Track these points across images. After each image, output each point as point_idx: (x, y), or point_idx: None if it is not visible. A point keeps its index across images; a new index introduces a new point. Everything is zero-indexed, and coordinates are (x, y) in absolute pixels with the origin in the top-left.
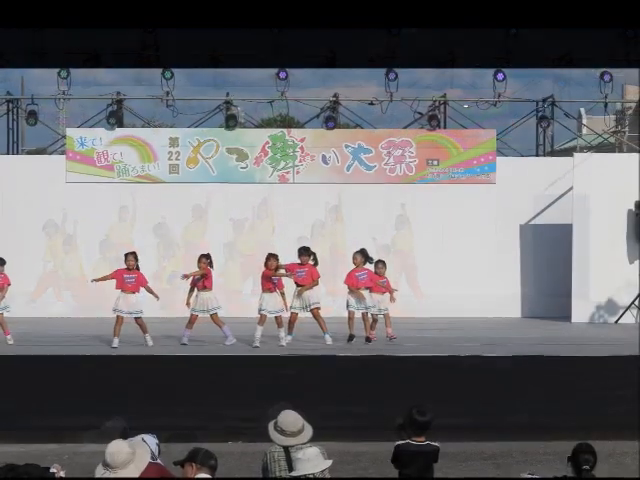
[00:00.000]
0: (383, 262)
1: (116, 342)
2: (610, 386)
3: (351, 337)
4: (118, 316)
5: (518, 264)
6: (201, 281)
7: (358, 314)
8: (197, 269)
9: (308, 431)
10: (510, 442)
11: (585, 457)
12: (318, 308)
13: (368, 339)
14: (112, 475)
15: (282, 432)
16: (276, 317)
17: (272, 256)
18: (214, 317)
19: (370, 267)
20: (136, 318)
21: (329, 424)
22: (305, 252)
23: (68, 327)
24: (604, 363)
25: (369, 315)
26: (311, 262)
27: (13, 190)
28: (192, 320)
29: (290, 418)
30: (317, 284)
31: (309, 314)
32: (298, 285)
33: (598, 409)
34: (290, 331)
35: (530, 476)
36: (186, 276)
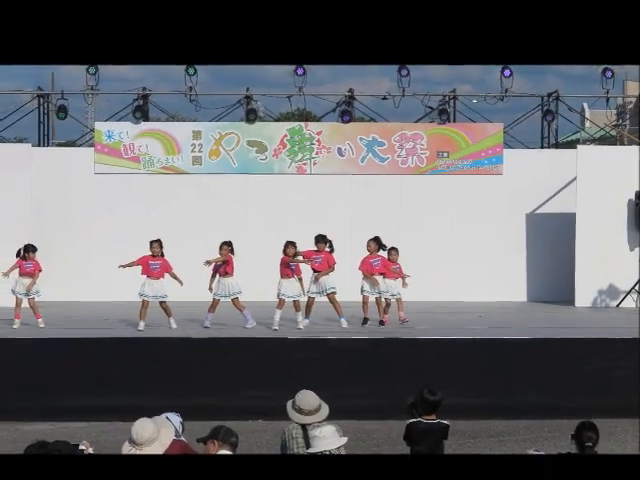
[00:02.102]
0: (396, 249)
1: (142, 325)
2: (611, 367)
3: (365, 320)
4: (144, 300)
5: (524, 251)
6: (223, 267)
7: (372, 298)
8: (219, 256)
9: (324, 410)
10: (516, 420)
11: (588, 434)
12: (334, 293)
13: (382, 322)
14: (138, 452)
15: (300, 411)
16: (294, 301)
17: (290, 243)
18: (235, 301)
19: (383, 254)
20: (161, 302)
21: (344, 403)
22: (322, 239)
23: (95, 310)
24: (606, 345)
25: (382, 299)
26: (327, 249)
27: (44, 181)
28: (214, 304)
29: (307, 397)
30: (333, 270)
31: (325, 298)
32: (315, 271)
33: (600, 389)
34: (307, 315)
35: (535, 452)
36: (208, 262)
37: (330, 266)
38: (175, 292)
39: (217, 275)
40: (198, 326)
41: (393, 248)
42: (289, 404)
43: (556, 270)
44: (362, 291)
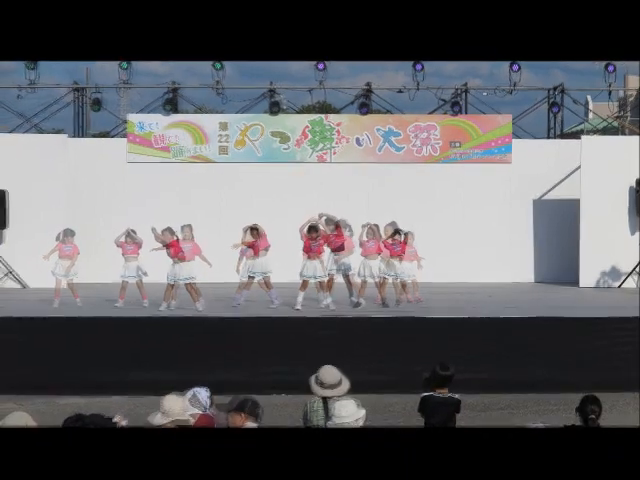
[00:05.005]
0: (411, 233)
1: (173, 304)
2: (613, 344)
3: (382, 300)
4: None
5: (531, 235)
6: (249, 250)
7: (389, 280)
8: (246, 239)
9: (345, 384)
10: (524, 394)
11: (591, 407)
12: (352, 275)
13: (398, 302)
14: (168, 424)
15: (322, 385)
16: (316, 282)
17: (312, 227)
18: (262, 282)
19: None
20: (189, 284)
21: (364, 378)
22: (342, 224)
23: (129, 292)
24: (608, 323)
25: (399, 281)
26: (347, 233)
27: (80, 169)
28: (243, 285)
29: (329, 372)
30: (352, 253)
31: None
32: (335, 253)
33: (603, 365)
34: (328, 292)
35: (542, 425)
36: (236, 245)
37: (350, 249)
38: (204, 274)
39: (244, 258)
40: (226, 305)
41: (409, 232)
42: (312, 379)
43: (561, 253)
44: (380, 273)
